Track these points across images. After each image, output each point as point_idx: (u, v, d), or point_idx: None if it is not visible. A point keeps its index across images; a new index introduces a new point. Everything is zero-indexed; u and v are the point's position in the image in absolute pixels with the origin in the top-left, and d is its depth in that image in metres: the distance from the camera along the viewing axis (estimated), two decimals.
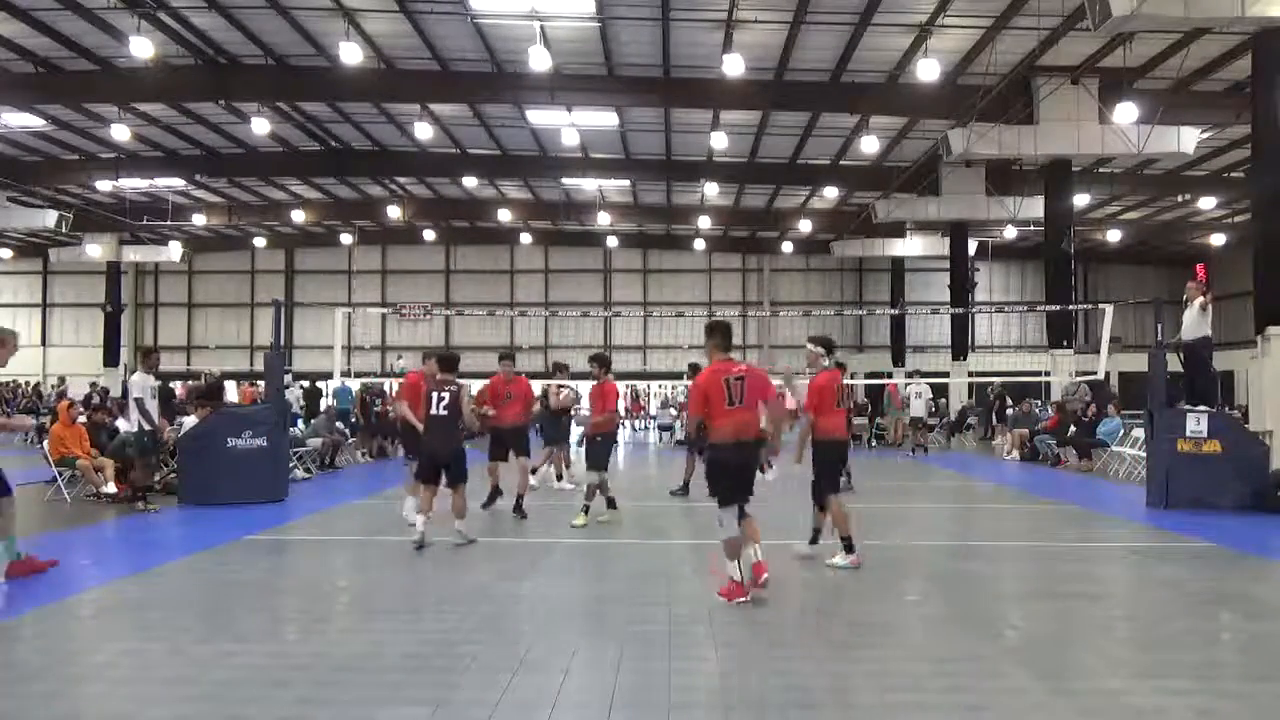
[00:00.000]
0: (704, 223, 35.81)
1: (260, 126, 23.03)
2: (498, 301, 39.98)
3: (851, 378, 32.20)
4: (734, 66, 18.54)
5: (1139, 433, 15.09)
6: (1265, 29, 13.92)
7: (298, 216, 34.53)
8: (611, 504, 10.83)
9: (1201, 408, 12.35)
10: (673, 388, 31.20)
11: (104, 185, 30.15)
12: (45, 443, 12.69)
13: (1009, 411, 23.86)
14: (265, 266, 41.86)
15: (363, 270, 41.31)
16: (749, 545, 6.94)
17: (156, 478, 12.31)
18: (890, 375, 31.73)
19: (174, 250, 36.87)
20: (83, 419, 13.75)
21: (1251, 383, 15.93)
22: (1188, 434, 11.92)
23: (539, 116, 24.03)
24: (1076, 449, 18.38)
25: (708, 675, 5.15)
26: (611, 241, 39.16)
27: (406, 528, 9.98)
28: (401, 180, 32.15)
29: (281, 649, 5.77)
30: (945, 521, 12.19)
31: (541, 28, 18.28)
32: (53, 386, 33.23)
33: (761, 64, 20.17)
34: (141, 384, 11.43)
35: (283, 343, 14.40)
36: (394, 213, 34.47)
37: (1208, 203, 30.86)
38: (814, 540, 8.42)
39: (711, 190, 31.52)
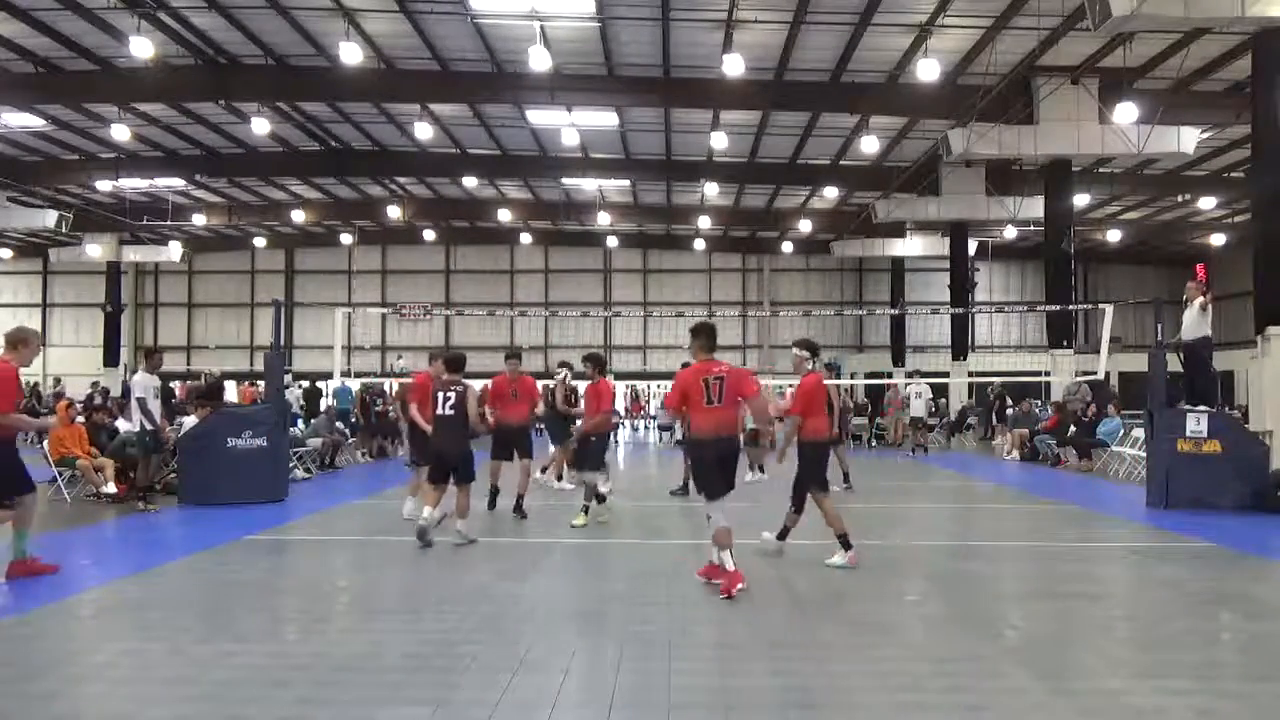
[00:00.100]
0: (704, 223, 35.81)
1: (260, 126, 23.04)
2: (498, 301, 39.99)
3: (851, 378, 32.35)
4: (734, 66, 18.54)
5: (1139, 433, 15.09)
6: (1265, 29, 13.92)
7: (298, 216, 34.53)
8: (600, 499, 10.76)
9: (1201, 408, 12.35)
10: (673, 388, 31.16)
11: (104, 185, 30.15)
12: (45, 443, 12.69)
13: (1009, 411, 23.87)
14: (265, 266, 41.87)
15: (363, 270, 41.32)
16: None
17: (156, 478, 12.30)
18: (890, 375, 31.73)
19: (174, 250, 36.86)
20: (80, 419, 13.76)
21: (1251, 383, 15.93)
22: (1188, 434, 11.93)
23: (539, 116, 24.03)
24: (1076, 449, 18.38)
25: (708, 675, 5.15)
26: (611, 241, 39.17)
27: (404, 522, 10.01)
28: (401, 180, 32.15)
29: (281, 649, 5.77)
30: (945, 521, 12.19)
31: (541, 28, 18.28)
32: (50, 387, 33.22)
33: (761, 64, 20.17)
34: (144, 384, 11.44)
35: (283, 343, 14.40)
36: (394, 213, 34.47)
37: (1208, 203, 30.87)
38: (782, 536, 8.51)
39: (711, 190, 31.52)
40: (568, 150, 26.95)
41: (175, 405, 18.38)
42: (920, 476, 17.48)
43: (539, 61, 18.26)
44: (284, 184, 32.43)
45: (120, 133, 22.92)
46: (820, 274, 41.43)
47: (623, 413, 31.56)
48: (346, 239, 39.31)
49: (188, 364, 39.01)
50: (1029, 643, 6.00)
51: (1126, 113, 19.40)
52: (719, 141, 24.29)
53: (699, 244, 39.52)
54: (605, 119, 24.30)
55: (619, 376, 32.90)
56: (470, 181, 31.69)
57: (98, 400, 24.01)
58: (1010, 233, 31.70)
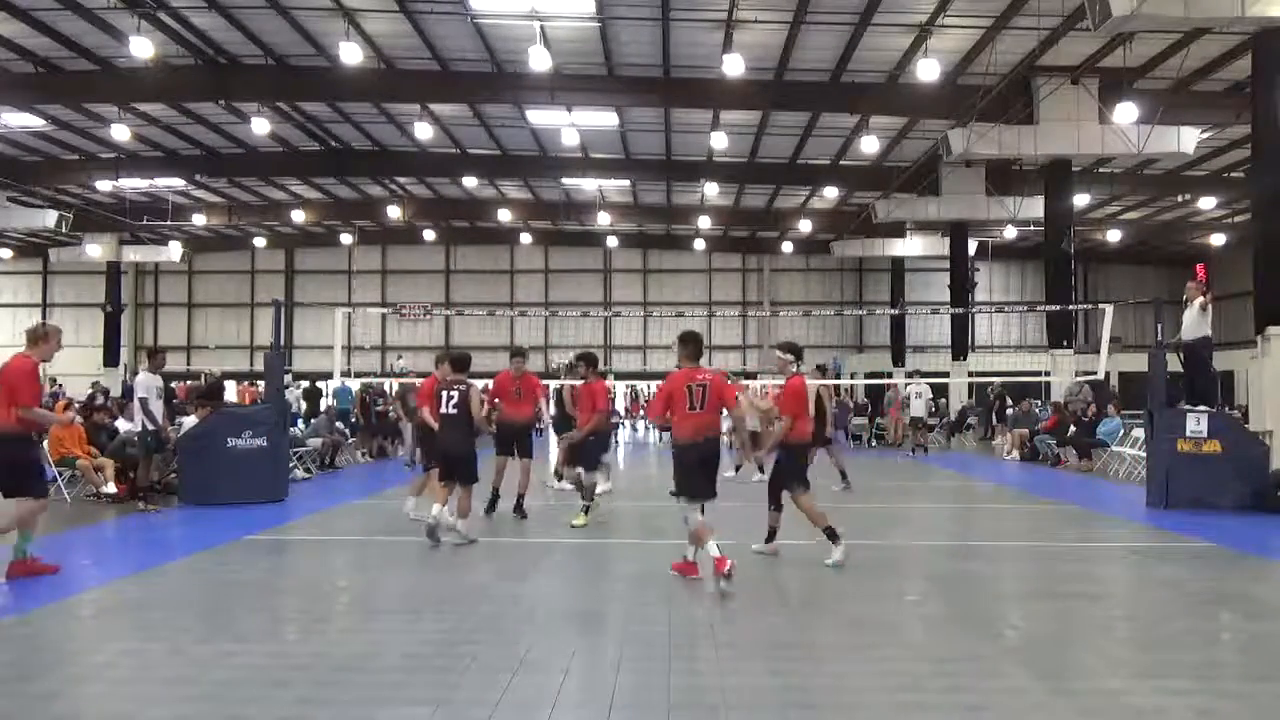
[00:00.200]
0: (704, 223, 35.81)
1: (260, 126, 23.03)
2: (498, 301, 39.97)
3: (851, 377, 32.33)
4: (734, 66, 18.53)
5: (1139, 433, 15.08)
6: (1265, 29, 13.90)
7: (298, 216, 34.53)
8: (587, 497, 10.64)
9: (1201, 408, 12.34)
10: (657, 395, 31.16)
11: (104, 185, 30.15)
12: (45, 443, 12.67)
13: (1009, 411, 23.86)
14: (265, 266, 41.86)
15: (363, 270, 41.32)
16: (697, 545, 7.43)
17: (156, 476, 12.29)
18: (890, 375, 31.72)
19: (174, 250, 36.86)
20: (78, 419, 13.71)
21: (1251, 383, 15.92)
22: (1188, 434, 11.92)
23: (539, 116, 24.02)
24: (1076, 449, 18.38)
25: (707, 675, 5.15)
26: (611, 241, 39.16)
27: (406, 522, 10.00)
28: (401, 180, 32.15)
29: (281, 649, 5.77)
30: (945, 521, 12.20)
31: (541, 28, 18.27)
32: (48, 388, 33.17)
33: (761, 64, 20.16)
34: (147, 384, 11.45)
35: (283, 343, 14.39)
36: (394, 213, 34.47)
37: (1208, 203, 30.86)
38: (770, 538, 8.55)
39: (711, 190, 31.51)
40: (568, 150, 26.95)
41: (175, 405, 18.36)
42: (920, 476, 17.48)
43: (539, 61, 18.26)
44: (284, 184, 32.42)
45: (120, 133, 22.91)
46: (820, 274, 41.42)
47: (623, 413, 31.53)
48: (346, 239, 39.31)
49: (188, 364, 38.98)
50: (1029, 643, 6.00)
51: (1126, 113, 19.39)
52: (719, 141, 24.28)
53: (699, 244, 39.51)
54: (605, 119, 24.29)
55: (619, 377, 32.90)
56: (470, 181, 31.68)
57: (99, 400, 23.99)
58: (1010, 233, 31.69)
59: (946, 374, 28.88)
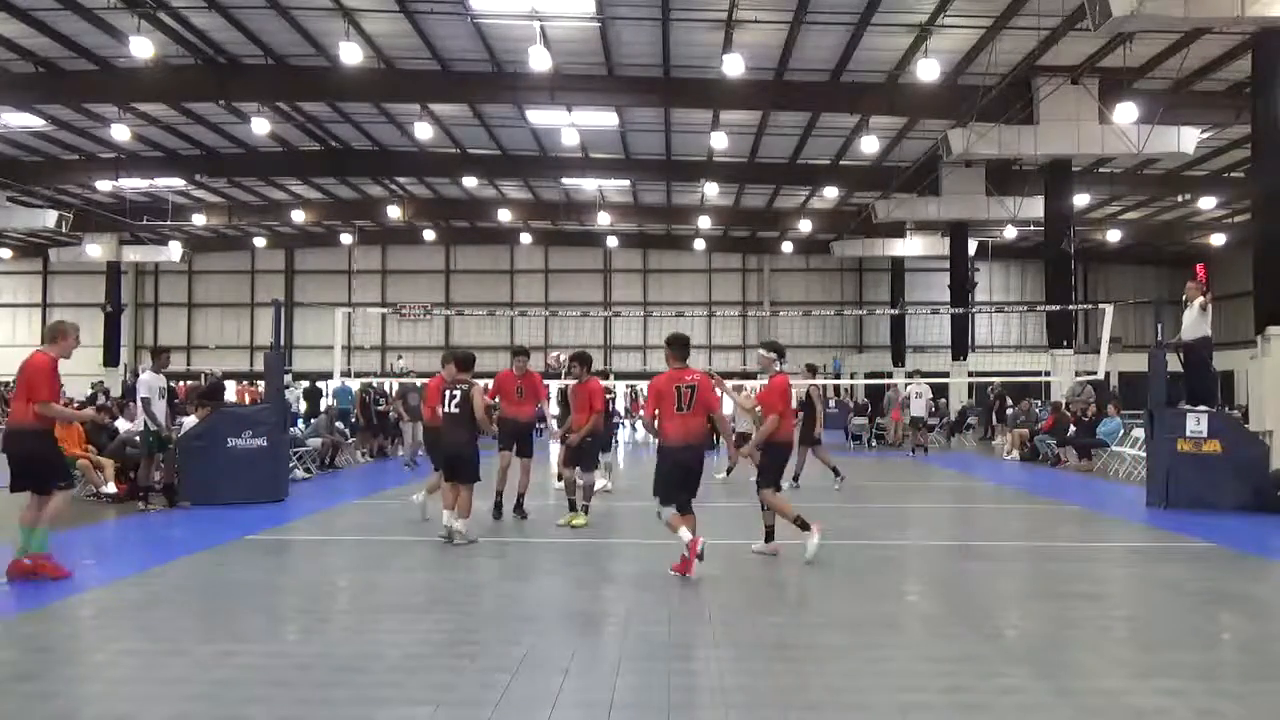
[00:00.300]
0: (704, 223, 35.82)
1: (260, 126, 23.04)
2: (498, 301, 40.00)
3: (851, 377, 32.34)
4: (734, 66, 18.54)
5: (1139, 433, 15.08)
6: (1265, 29, 13.92)
7: (298, 216, 34.54)
8: (572, 506, 10.51)
9: (1201, 408, 12.34)
10: (648, 394, 31.14)
11: (104, 185, 30.17)
12: None
13: (1009, 411, 23.86)
14: (265, 266, 41.88)
15: (363, 270, 41.33)
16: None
17: (157, 476, 12.28)
18: (890, 375, 31.72)
19: (174, 250, 36.88)
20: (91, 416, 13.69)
21: (1251, 383, 15.93)
22: (1188, 434, 11.92)
23: (539, 116, 24.03)
24: (1076, 449, 18.38)
25: (708, 675, 5.15)
26: (611, 241, 39.17)
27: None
28: (401, 180, 32.16)
29: (281, 649, 5.77)
30: (945, 521, 12.19)
31: (541, 28, 18.28)
32: None
33: (761, 64, 20.17)
34: (150, 384, 11.44)
35: (283, 343, 14.39)
36: (394, 213, 34.48)
37: (1208, 203, 30.87)
38: (769, 537, 8.57)
39: (711, 190, 31.52)
40: (568, 150, 26.95)
41: (175, 405, 18.34)
42: (920, 476, 17.48)
43: (539, 61, 18.27)
44: (284, 184, 32.43)
45: (120, 133, 22.93)
46: (820, 274, 41.42)
47: (623, 413, 31.50)
48: (346, 239, 39.32)
49: (188, 364, 38.98)
50: (1029, 643, 6.00)
51: (1126, 113, 19.40)
52: (719, 141, 24.29)
53: (699, 244, 39.52)
54: (605, 119, 24.30)
55: (619, 377, 32.91)
56: (470, 181, 31.69)
57: (100, 400, 24.01)
58: (1010, 233, 31.70)
59: (946, 374, 28.88)
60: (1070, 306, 21.78)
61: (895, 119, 23.78)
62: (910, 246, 34.74)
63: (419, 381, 18.94)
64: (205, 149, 27.46)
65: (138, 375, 12.89)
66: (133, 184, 30.28)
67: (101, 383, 30.57)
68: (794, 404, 13.61)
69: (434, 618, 6.39)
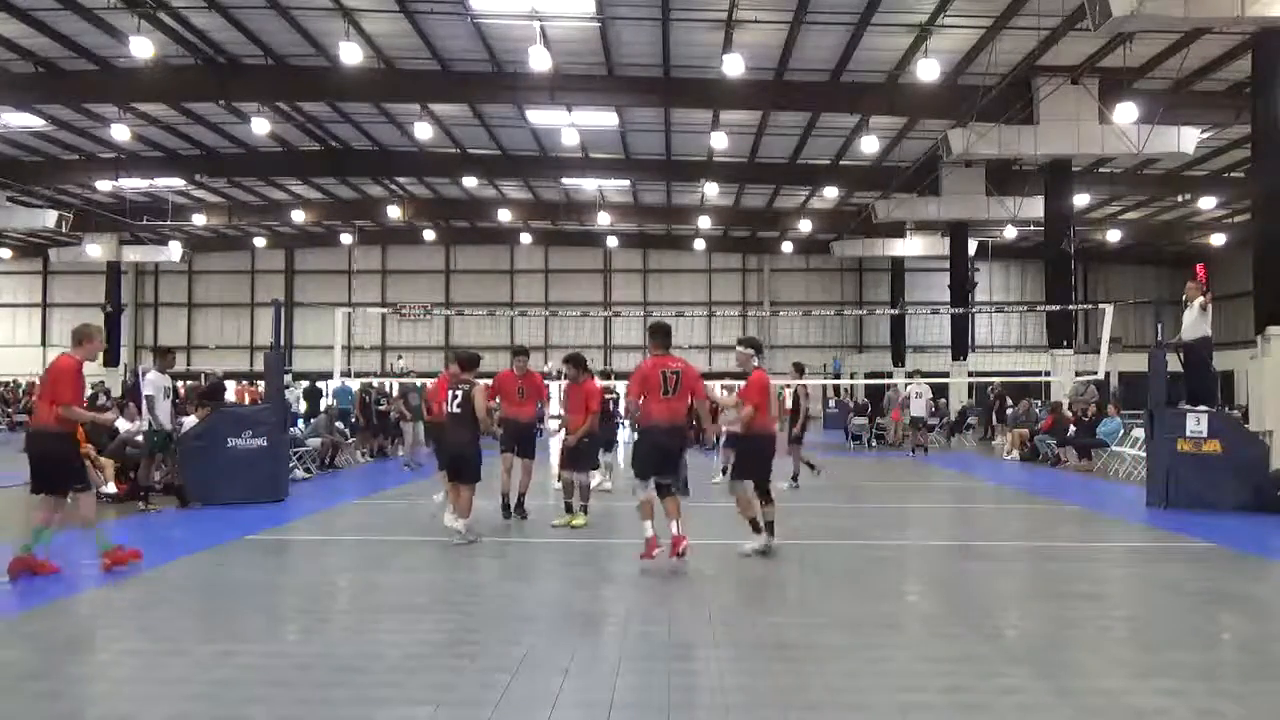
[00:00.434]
0: (704, 223, 35.81)
1: (260, 126, 23.03)
2: (498, 301, 39.98)
3: (851, 377, 32.33)
4: (734, 66, 18.54)
5: (1139, 433, 15.08)
6: (1265, 29, 13.92)
7: (298, 216, 34.53)
8: (569, 508, 10.48)
9: (1201, 408, 12.34)
10: (633, 379, 31.14)
11: (104, 185, 30.16)
12: None
13: (1009, 411, 23.86)
14: (265, 266, 41.87)
15: (363, 270, 41.32)
16: (671, 520, 7.70)
17: (157, 476, 12.28)
18: (890, 375, 31.71)
19: (174, 250, 36.87)
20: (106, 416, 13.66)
21: (1251, 383, 15.93)
22: (1188, 434, 11.92)
23: (539, 116, 24.03)
24: (1076, 449, 18.38)
25: (708, 676, 5.15)
26: (611, 241, 39.16)
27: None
28: (401, 180, 32.16)
29: (281, 649, 5.77)
30: (945, 521, 12.19)
31: (541, 28, 18.28)
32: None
33: (761, 64, 20.16)
34: (156, 383, 11.45)
35: (283, 343, 14.39)
36: (394, 213, 34.47)
37: (1208, 203, 30.86)
38: (770, 532, 8.54)
39: (711, 190, 31.51)
40: (568, 150, 26.95)
41: (176, 405, 18.32)
42: (920, 476, 17.48)
43: (539, 61, 18.26)
44: (284, 184, 32.43)
45: (120, 133, 22.93)
46: (820, 274, 41.41)
47: (623, 412, 31.48)
48: (346, 239, 39.31)
49: (188, 364, 38.93)
50: (1029, 643, 6.00)
51: (1126, 113, 19.40)
52: (719, 141, 24.29)
53: (699, 244, 39.51)
54: (605, 119, 24.29)
55: (619, 377, 32.86)
56: (470, 181, 31.68)
57: (101, 400, 24.00)
58: (1010, 233, 31.70)
59: (946, 374, 28.88)
60: (1070, 306, 21.78)
61: (895, 119, 23.77)
62: (910, 246, 34.73)
63: (419, 381, 18.96)
64: (205, 149, 27.45)
65: (138, 375, 12.87)
66: (133, 184, 30.27)
67: (102, 383, 30.48)
68: (788, 404, 13.69)
69: (434, 618, 6.40)
